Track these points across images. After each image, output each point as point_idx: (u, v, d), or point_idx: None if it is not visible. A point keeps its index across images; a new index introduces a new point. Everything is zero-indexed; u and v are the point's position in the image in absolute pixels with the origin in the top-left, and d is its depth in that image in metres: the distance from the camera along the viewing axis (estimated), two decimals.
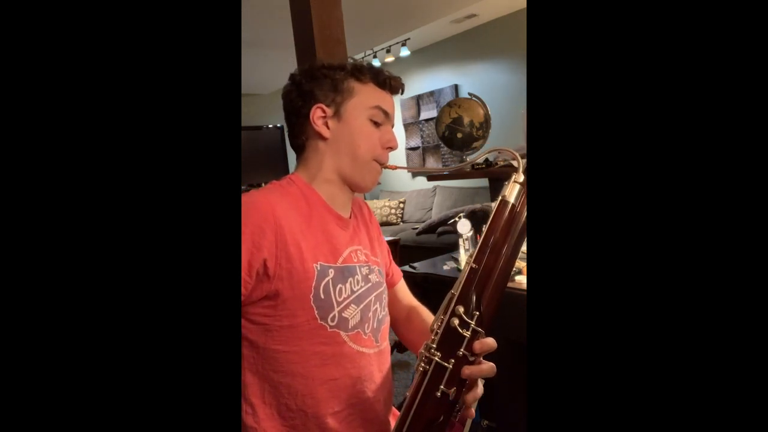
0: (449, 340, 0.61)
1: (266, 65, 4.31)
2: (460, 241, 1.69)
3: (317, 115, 0.78)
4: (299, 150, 0.83)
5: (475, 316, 0.60)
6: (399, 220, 5.06)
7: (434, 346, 0.62)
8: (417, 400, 0.62)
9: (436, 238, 3.89)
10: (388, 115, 0.80)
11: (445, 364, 0.61)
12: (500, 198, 0.65)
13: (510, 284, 1.45)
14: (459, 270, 1.63)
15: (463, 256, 1.67)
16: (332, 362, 0.74)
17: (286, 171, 5.50)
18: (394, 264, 0.97)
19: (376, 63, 4.63)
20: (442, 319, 0.63)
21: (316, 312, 0.72)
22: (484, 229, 0.66)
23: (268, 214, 0.70)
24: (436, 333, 0.63)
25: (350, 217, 0.84)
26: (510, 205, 0.63)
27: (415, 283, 1.72)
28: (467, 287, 0.62)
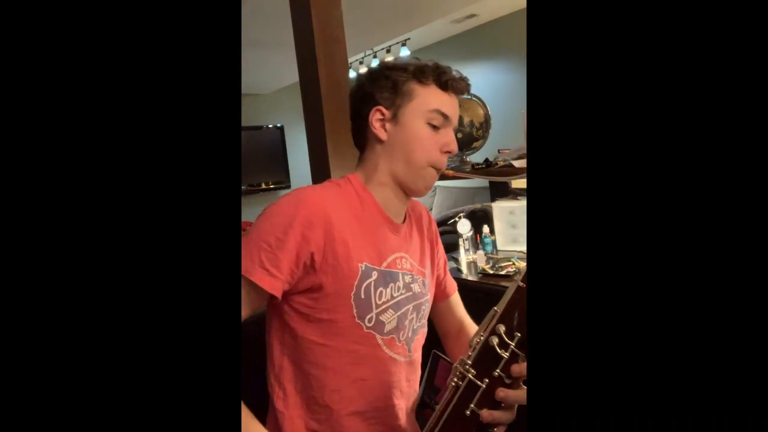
0: (486, 359, 0.59)
1: (266, 65, 4.31)
2: (460, 241, 1.69)
3: (375, 117, 0.78)
4: (360, 151, 0.84)
5: (516, 338, 0.58)
6: None
7: (470, 362, 0.60)
8: (445, 416, 0.61)
9: None
10: (447, 118, 0.78)
11: (479, 383, 0.59)
12: None
13: (510, 284, 1.45)
14: (459, 270, 1.63)
15: (463, 256, 1.66)
16: (364, 363, 0.75)
17: (286, 171, 5.50)
18: (449, 275, 0.96)
19: (376, 63, 4.65)
20: (482, 336, 0.61)
21: (354, 310, 0.73)
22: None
23: (320, 209, 0.71)
24: (474, 349, 0.61)
25: (404, 222, 0.84)
26: None
27: None
28: (512, 306, 0.59)
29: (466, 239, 1.67)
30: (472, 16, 4.08)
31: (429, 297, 0.87)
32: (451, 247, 1.92)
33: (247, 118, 5.25)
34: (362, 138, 0.82)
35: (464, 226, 1.68)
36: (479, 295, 1.46)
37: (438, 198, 4.79)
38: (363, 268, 0.73)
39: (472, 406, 0.59)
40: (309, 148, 1.43)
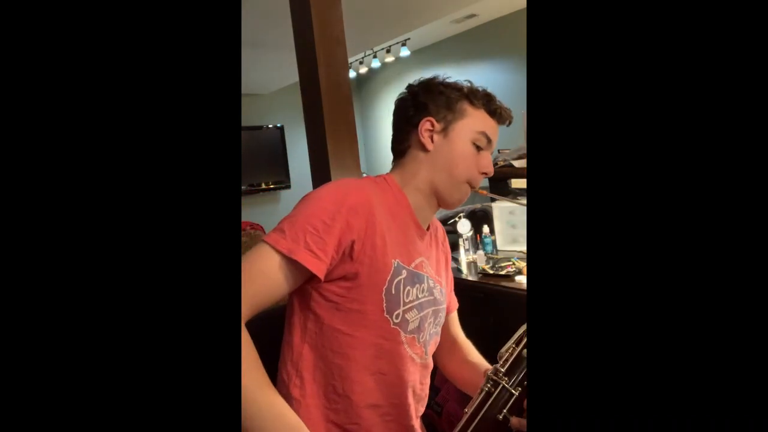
0: (519, 370, 0.65)
1: (266, 65, 4.31)
2: (460, 241, 1.69)
3: (425, 127, 0.82)
4: (398, 155, 0.87)
5: None
6: None
7: (503, 371, 0.66)
8: (478, 419, 0.65)
9: None
10: (490, 143, 0.84)
11: (513, 390, 0.64)
12: None
13: (510, 284, 1.45)
14: (459, 270, 1.63)
15: (463, 256, 1.66)
16: (386, 357, 0.76)
17: (286, 171, 5.50)
18: (453, 294, 1.00)
19: (376, 63, 4.64)
20: (514, 348, 0.66)
21: (384, 304, 0.74)
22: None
23: (366, 200, 0.74)
24: (506, 360, 0.67)
25: (428, 231, 0.87)
26: None
27: None
28: None
29: (466, 239, 1.67)
30: (472, 16, 4.08)
31: (445, 306, 0.90)
32: (451, 247, 1.92)
33: (247, 118, 5.24)
34: (405, 143, 0.85)
35: (464, 226, 1.68)
36: (479, 295, 1.46)
37: None
38: (395, 265, 0.75)
39: (504, 411, 0.64)
40: (309, 148, 1.43)
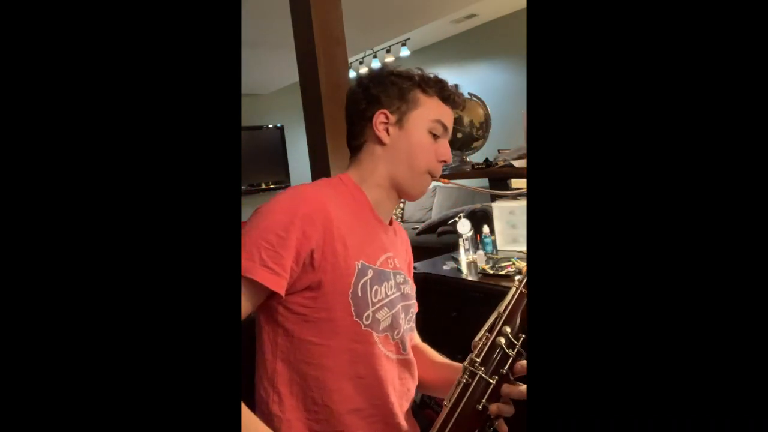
0: (495, 358, 0.64)
1: (266, 65, 4.31)
2: (460, 241, 1.69)
3: (380, 120, 0.80)
4: (355, 151, 0.85)
5: (521, 338, 0.64)
6: (399, 220, 5.06)
7: (478, 360, 0.65)
8: (458, 411, 0.64)
9: (436, 238, 3.89)
10: (446, 130, 0.83)
11: (490, 379, 0.64)
12: None
13: (510, 284, 1.45)
14: (459, 270, 1.63)
15: (463, 256, 1.66)
16: (362, 361, 0.75)
17: (286, 171, 5.51)
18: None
19: (376, 63, 4.64)
20: (488, 337, 0.66)
21: (352, 309, 0.73)
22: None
23: (320, 207, 0.72)
24: (481, 349, 0.65)
25: (390, 226, 0.86)
26: None
27: (415, 283, 1.72)
28: (515, 310, 0.65)
29: (466, 239, 1.67)
30: (472, 16, 4.08)
31: (415, 302, 0.89)
32: (451, 247, 1.92)
33: (247, 118, 5.25)
34: (360, 138, 0.83)
35: (464, 226, 1.68)
36: (479, 295, 1.46)
37: (438, 198, 4.79)
38: (359, 266, 0.74)
39: (483, 401, 0.64)
40: (309, 148, 1.43)
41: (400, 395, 0.81)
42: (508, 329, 0.64)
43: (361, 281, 0.74)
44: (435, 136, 0.81)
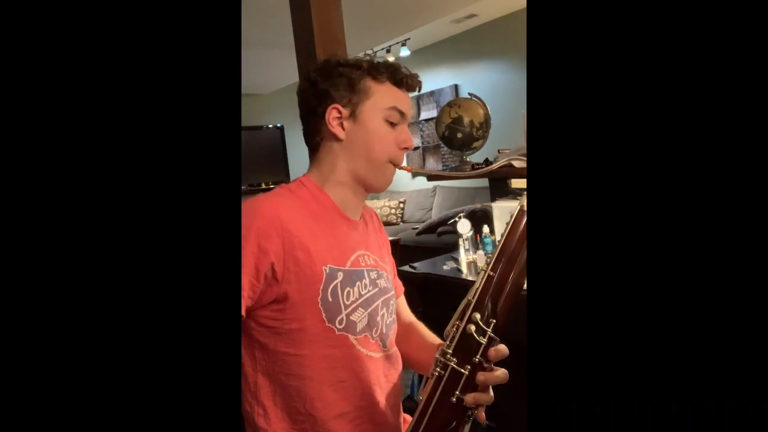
0: (465, 347, 0.62)
1: (266, 65, 4.31)
2: (460, 241, 1.69)
3: (333, 115, 0.77)
4: (313, 150, 0.82)
5: (492, 324, 0.61)
6: (399, 220, 5.06)
7: (450, 351, 0.63)
8: (432, 405, 0.63)
9: (436, 238, 3.89)
10: (404, 115, 0.79)
11: (462, 370, 0.62)
12: (518, 207, 0.65)
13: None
14: (459, 270, 1.63)
15: (463, 256, 1.66)
16: (341, 365, 0.74)
17: (286, 171, 5.50)
18: (397, 278, 0.96)
19: None
20: (458, 326, 0.63)
21: (323, 315, 0.71)
22: (499, 234, 0.67)
23: (274, 218, 0.70)
24: (452, 339, 0.63)
25: (360, 220, 0.84)
26: (527, 215, 0.63)
27: (415, 283, 1.72)
28: (483, 295, 0.63)
29: (466, 239, 1.67)
30: (472, 16, 4.08)
31: (394, 293, 0.87)
32: (451, 247, 1.91)
33: (247, 118, 5.25)
34: (317, 137, 0.80)
35: (464, 226, 1.68)
36: None
37: (438, 198, 4.79)
38: (328, 271, 0.72)
39: (457, 392, 0.61)
40: None
41: (388, 392, 0.80)
42: (477, 316, 0.62)
43: (331, 286, 0.72)
44: (392, 124, 0.78)
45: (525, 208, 0.64)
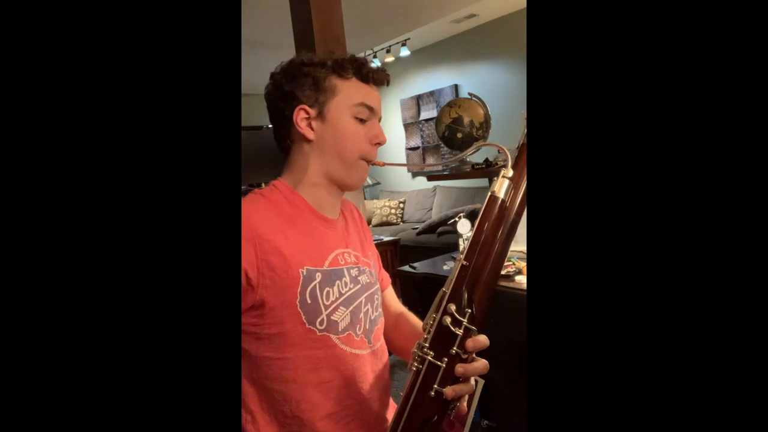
0: (442, 339, 0.61)
1: (266, 65, 4.31)
2: (460, 241, 1.69)
3: (300, 117, 0.76)
4: (285, 153, 0.82)
5: (467, 314, 0.60)
6: (399, 220, 5.06)
7: (427, 345, 0.62)
8: (411, 401, 0.62)
9: (436, 238, 3.89)
10: (373, 110, 0.79)
11: (439, 363, 0.60)
12: (489, 194, 0.63)
13: (510, 284, 1.45)
14: None
15: None
16: (324, 365, 0.73)
17: None
18: (383, 270, 0.96)
19: (376, 63, 4.65)
20: (434, 318, 0.62)
21: (303, 317, 0.71)
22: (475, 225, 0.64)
23: (245, 224, 0.69)
24: (429, 332, 0.62)
25: (338, 218, 0.84)
26: (499, 201, 0.62)
27: (415, 283, 1.72)
28: (458, 285, 0.61)
29: (466, 239, 1.67)
30: (472, 16, 4.08)
31: (378, 287, 0.86)
32: (451, 247, 1.91)
33: (247, 118, 5.25)
34: (287, 139, 0.80)
35: (464, 226, 1.68)
36: None
37: (438, 198, 4.80)
38: (305, 273, 0.72)
39: (435, 386, 0.60)
40: None
41: (376, 387, 0.80)
42: (453, 307, 0.60)
43: (309, 287, 0.72)
44: (361, 120, 0.77)
45: (496, 195, 0.63)
